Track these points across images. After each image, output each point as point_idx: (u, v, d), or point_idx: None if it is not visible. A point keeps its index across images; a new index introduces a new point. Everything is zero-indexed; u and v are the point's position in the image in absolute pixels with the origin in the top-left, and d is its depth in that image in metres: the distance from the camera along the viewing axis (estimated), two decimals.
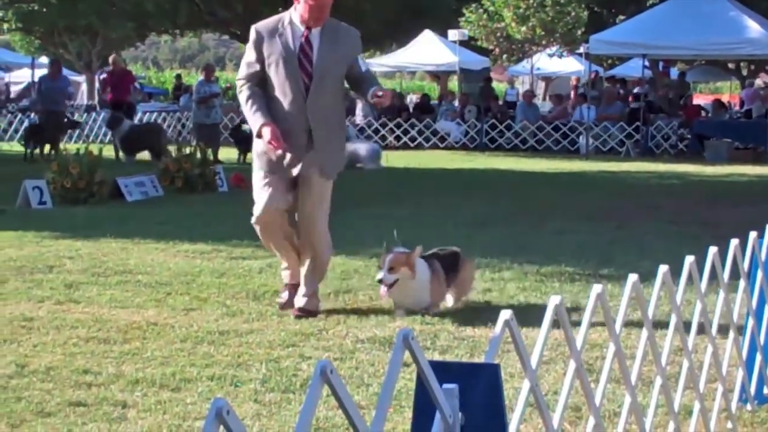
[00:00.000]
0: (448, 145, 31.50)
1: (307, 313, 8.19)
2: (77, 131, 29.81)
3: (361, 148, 24.07)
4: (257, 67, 8.18)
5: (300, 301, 8.33)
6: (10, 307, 8.32)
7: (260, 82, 8.19)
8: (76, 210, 14.91)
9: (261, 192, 8.27)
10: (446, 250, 8.74)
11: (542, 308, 8.11)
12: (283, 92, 8.13)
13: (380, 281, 8.13)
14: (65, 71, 48.77)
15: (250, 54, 8.23)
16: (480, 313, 8.24)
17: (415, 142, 31.81)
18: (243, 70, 8.30)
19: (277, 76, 8.12)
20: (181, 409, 5.79)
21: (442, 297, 8.40)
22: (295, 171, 8.20)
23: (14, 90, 51.72)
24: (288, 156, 8.14)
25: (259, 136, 8.08)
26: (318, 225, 8.35)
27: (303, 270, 8.45)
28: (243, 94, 8.21)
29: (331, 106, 8.24)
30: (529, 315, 8.14)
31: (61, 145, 24.05)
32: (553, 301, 3.63)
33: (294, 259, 8.50)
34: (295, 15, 8.18)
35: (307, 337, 7.44)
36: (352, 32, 8.39)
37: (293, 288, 8.46)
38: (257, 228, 8.41)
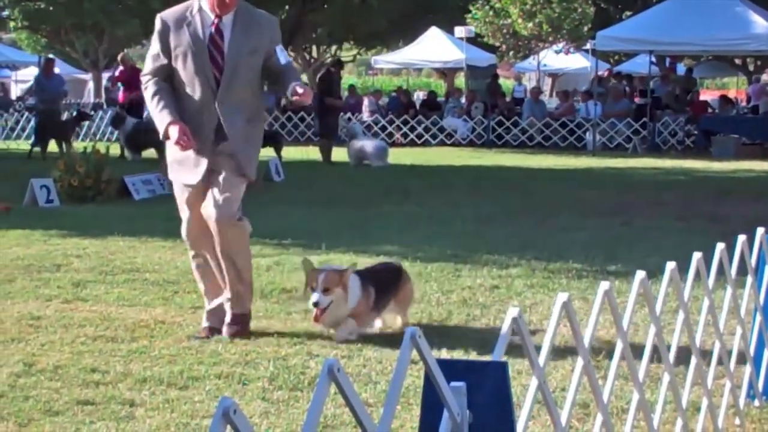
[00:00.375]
0: (455, 142, 31.51)
1: (238, 332, 7.42)
2: (84, 128, 29.83)
3: (368, 145, 24.06)
4: (164, 60, 7.36)
5: (228, 327, 7.51)
6: (17, 306, 8.33)
7: (167, 77, 7.38)
8: (84, 208, 14.93)
9: (184, 206, 7.52)
10: (386, 265, 8.07)
11: (549, 305, 8.15)
12: (191, 87, 7.33)
13: (315, 304, 7.23)
14: (73, 69, 48.98)
15: (155, 46, 7.40)
16: (487, 310, 8.24)
17: (422, 139, 31.81)
18: (148, 64, 7.47)
19: (185, 69, 7.32)
20: (188, 407, 5.79)
21: (367, 320, 7.51)
22: (203, 169, 7.38)
23: (21, 88, 51.82)
24: (197, 156, 7.35)
25: (167, 137, 7.27)
26: (231, 225, 7.42)
27: (225, 287, 7.60)
28: (148, 90, 7.39)
29: (246, 102, 7.41)
30: (536, 312, 8.16)
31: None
32: (561, 298, 3.62)
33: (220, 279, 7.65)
34: (204, 1, 7.36)
35: (315, 336, 7.43)
36: (269, 19, 7.53)
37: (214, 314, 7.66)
38: (188, 242, 7.66)
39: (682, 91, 32.33)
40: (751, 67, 43.55)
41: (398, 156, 25.05)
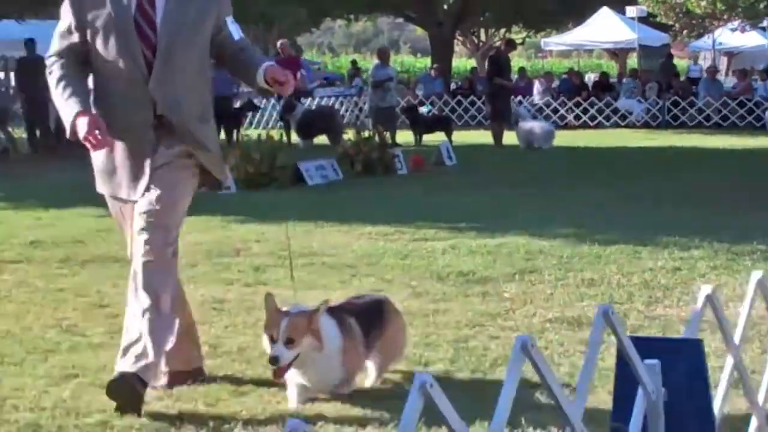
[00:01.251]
0: (629, 124, 31.06)
1: (130, 386, 5.43)
2: (256, 116, 30.30)
3: (536, 126, 23.95)
4: (75, 37, 5.72)
5: (126, 364, 5.55)
6: (201, 290, 8.48)
7: (78, 59, 5.75)
8: (259, 194, 15.16)
9: (125, 226, 5.90)
10: (363, 299, 6.24)
11: (735, 287, 7.92)
12: (116, 72, 5.68)
13: (273, 360, 5.48)
14: None
15: (65, 20, 5.76)
16: (670, 292, 8.07)
17: (595, 121, 31.43)
18: (54, 44, 5.78)
19: (105, 48, 5.66)
20: (376, 388, 5.84)
21: (360, 368, 5.87)
22: (144, 181, 5.69)
23: None
24: (134, 162, 5.71)
25: (74, 133, 5.58)
26: (163, 251, 5.65)
27: (141, 322, 5.59)
28: (53, 75, 5.72)
29: (192, 91, 5.79)
30: (721, 294, 7.96)
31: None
32: (755, 276, 3.51)
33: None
34: None
35: (494, 318, 7.39)
36: None
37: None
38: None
39: None
40: None
41: (572, 138, 24.82)
